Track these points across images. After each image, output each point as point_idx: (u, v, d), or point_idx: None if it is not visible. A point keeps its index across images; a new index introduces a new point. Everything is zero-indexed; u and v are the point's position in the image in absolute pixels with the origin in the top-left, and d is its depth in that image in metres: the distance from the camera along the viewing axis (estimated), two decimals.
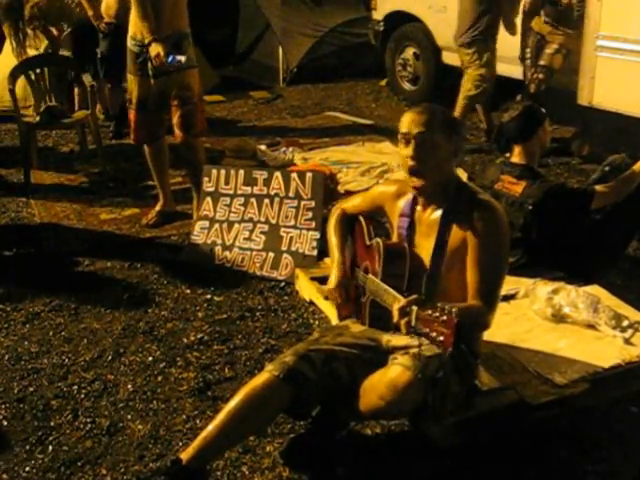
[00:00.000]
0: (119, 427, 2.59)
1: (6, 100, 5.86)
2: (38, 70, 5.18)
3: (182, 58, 3.81)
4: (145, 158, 4.32)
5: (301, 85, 7.71)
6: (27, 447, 2.50)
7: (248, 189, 3.97)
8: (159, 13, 3.82)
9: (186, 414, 2.65)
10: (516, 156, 3.34)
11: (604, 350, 2.72)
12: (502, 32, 5.48)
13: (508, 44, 5.59)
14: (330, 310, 3.07)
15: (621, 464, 2.38)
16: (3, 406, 2.72)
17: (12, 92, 4.92)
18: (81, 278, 3.72)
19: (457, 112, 5.56)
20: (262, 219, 3.89)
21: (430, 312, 1.91)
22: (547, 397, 2.48)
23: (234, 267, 3.77)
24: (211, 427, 2.18)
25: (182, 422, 2.60)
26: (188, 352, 3.04)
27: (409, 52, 6.83)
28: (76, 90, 5.81)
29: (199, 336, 3.15)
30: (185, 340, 3.13)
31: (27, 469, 2.40)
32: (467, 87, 5.50)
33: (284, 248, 3.75)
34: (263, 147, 5.43)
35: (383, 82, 7.61)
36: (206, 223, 3.98)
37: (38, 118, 5.04)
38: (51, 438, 2.54)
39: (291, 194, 3.86)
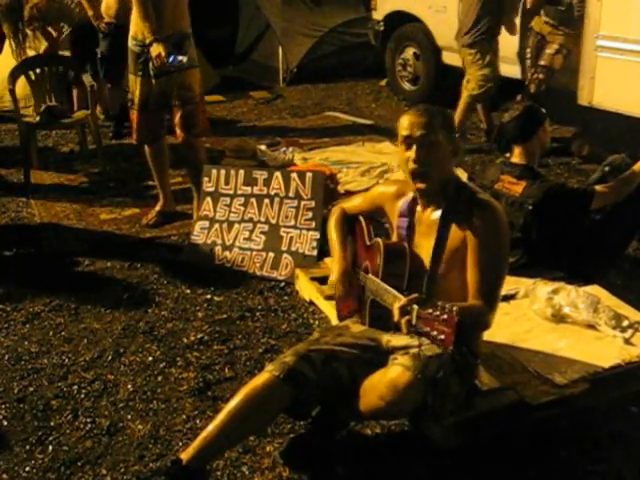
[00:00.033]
0: (119, 427, 2.59)
1: (6, 100, 5.88)
2: (38, 70, 5.18)
3: (183, 58, 3.81)
4: (145, 158, 4.32)
5: (301, 85, 7.70)
6: (27, 447, 2.50)
7: (248, 189, 3.97)
8: (160, 13, 3.82)
9: (186, 414, 2.65)
10: (516, 156, 3.34)
11: (604, 350, 2.72)
12: (502, 32, 5.49)
13: (507, 44, 5.60)
14: (330, 310, 3.07)
15: (621, 464, 2.38)
16: (3, 406, 2.72)
17: (12, 92, 4.92)
18: (81, 278, 3.72)
19: (459, 111, 5.57)
20: (262, 219, 3.89)
21: (431, 311, 1.91)
22: (547, 397, 2.49)
23: (234, 267, 3.77)
24: (211, 427, 2.18)
25: (182, 422, 2.60)
26: (188, 352, 3.04)
27: (409, 52, 6.83)
28: (75, 91, 5.80)
29: (199, 336, 3.15)
30: (185, 340, 3.13)
31: (27, 469, 2.40)
32: (471, 86, 5.51)
33: (284, 248, 3.75)
34: (263, 147, 5.42)
35: (383, 82, 7.61)
36: (206, 223, 3.98)
37: (38, 118, 5.04)
38: (51, 438, 2.54)
39: (291, 194, 3.86)
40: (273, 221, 3.85)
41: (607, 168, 3.55)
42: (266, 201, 3.91)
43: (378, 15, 7.10)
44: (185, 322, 3.28)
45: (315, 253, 3.67)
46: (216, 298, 3.48)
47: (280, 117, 6.75)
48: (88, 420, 2.63)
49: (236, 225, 3.91)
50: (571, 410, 2.53)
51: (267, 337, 3.14)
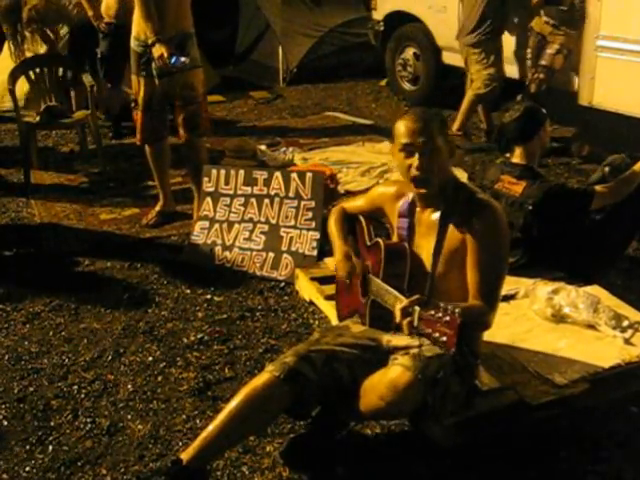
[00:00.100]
0: (119, 427, 2.59)
1: (6, 100, 5.88)
2: (38, 70, 5.18)
3: (186, 60, 3.81)
4: (145, 158, 4.32)
5: (301, 85, 7.70)
6: (27, 447, 2.50)
7: (248, 189, 3.97)
8: (163, 14, 3.81)
9: (186, 414, 2.65)
10: (517, 156, 3.34)
11: (604, 350, 2.72)
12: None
13: (507, 44, 5.60)
14: (330, 310, 3.07)
15: (621, 464, 2.38)
16: (3, 406, 2.72)
17: (12, 92, 4.92)
18: (81, 278, 3.72)
19: (463, 110, 5.59)
20: (262, 219, 3.89)
21: (433, 312, 1.91)
22: (547, 397, 2.49)
23: (234, 267, 3.77)
24: (211, 427, 2.18)
25: (182, 422, 2.60)
26: (188, 352, 3.04)
27: (409, 52, 6.83)
28: (72, 93, 5.79)
29: (199, 336, 3.15)
30: (185, 340, 3.13)
31: (27, 469, 2.40)
32: (476, 86, 5.53)
33: (284, 248, 3.75)
34: (263, 147, 5.42)
35: (383, 82, 7.61)
36: (206, 223, 3.98)
37: (38, 118, 5.04)
38: (51, 438, 2.54)
39: (291, 194, 3.86)
40: (273, 221, 3.85)
41: (607, 168, 3.55)
42: (266, 201, 3.90)
43: (378, 15, 7.10)
44: (185, 322, 3.28)
45: (315, 253, 3.67)
46: (216, 298, 3.48)
47: (280, 117, 6.75)
48: (88, 420, 2.63)
49: (236, 225, 3.91)
50: (571, 410, 2.53)
51: (267, 337, 3.14)
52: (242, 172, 4.03)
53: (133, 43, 3.98)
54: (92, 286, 3.61)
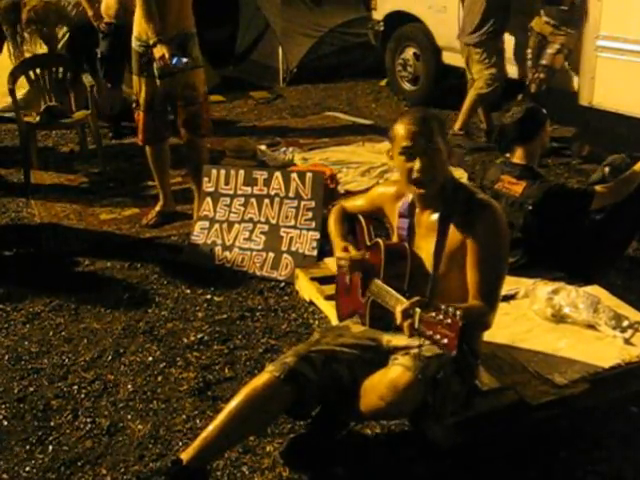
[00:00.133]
0: (119, 427, 2.59)
1: (6, 100, 5.87)
2: (38, 70, 5.18)
3: (188, 61, 3.81)
4: (145, 158, 4.32)
5: (301, 85, 7.70)
6: (27, 447, 2.50)
7: (248, 189, 3.97)
8: (164, 13, 3.81)
9: (186, 414, 2.65)
10: (517, 157, 3.34)
11: (604, 350, 2.72)
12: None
13: (507, 44, 5.60)
14: (330, 310, 3.07)
15: (621, 464, 2.38)
16: (3, 406, 2.72)
17: (12, 92, 4.92)
18: (81, 278, 3.72)
19: (465, 109, 5.59)
20: (262, 219, 3.89)
21: (434, 315, 1.90)
22: (547, 397, 2.49)
23: (234, 267, 3.77)
24: (211, 427, 2.18)
25: (182, 422, 2.60)
26: (188, 352, 3.04)
27: (409, 52, 6.83)
28: (71, 94, 5.79)
29: (199, 336, 3.15)
30: (185, 340, 3.13)
31: (27, 469, 2.40)
32: (479, 85, 5.53)
33: (284, 248, 3.75)
34: (263, 147, 5.42)
35: (383, 82, 7.61)
36: (206, 223, 3.98)
37: (38, 118, 5.04)
38: (51, 438, 2.54)
39: (291, 194, 3.86)
40: (273, 221, 3.85)
41: (607, 168, 3.55)
42: (266, 201, 3.90)
43: (378, 15, 7.10)
44: (185, 322, 3.28)
45: (315, 253, 3.67)
46: (216, 298, 3.48)
47: (280, 117, 6.75)
48: (88, 420, 2.63)
49: (236, 225, 3.91)
50: (571, 410, 2.53)
51: (267, 337, 3.14)
52: (242, 172, 4.03)
53: (134, 43, 3.98)
54: (92, 286, 3.61)
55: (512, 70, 5.70)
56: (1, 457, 2.46)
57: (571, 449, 2.43)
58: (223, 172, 4.06)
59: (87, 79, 5.20)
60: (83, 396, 2.77)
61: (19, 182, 5.00)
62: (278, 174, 3.96)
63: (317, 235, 3.70)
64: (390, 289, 2.23)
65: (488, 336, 2.53)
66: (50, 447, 2.50)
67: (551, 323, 2.93)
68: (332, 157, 5.29)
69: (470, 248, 2.28)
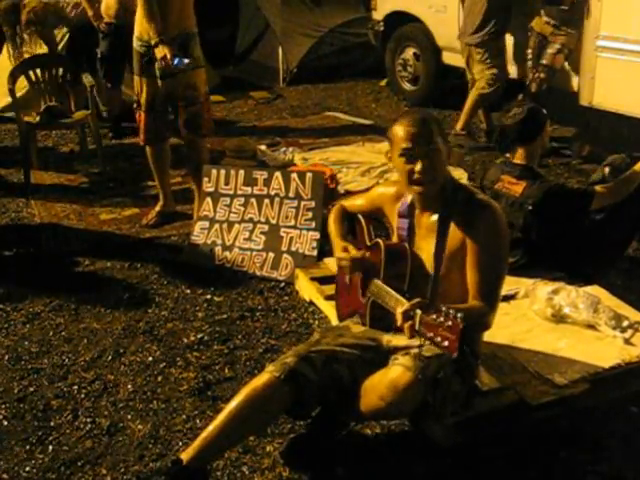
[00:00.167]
0: (119, 427, 2.59)
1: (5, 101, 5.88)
2: (38, 70, 5.18)
3: (189, 61, 3.80)
4: (145, 158, 4.32)
5: (301, 85, 7.70)
6: (27, 447, 2.50)
7: (248, 189, 3.97)
8: (166, 13, 3.80)
9: (186, 414, 2.65)
10: (518, 157, 3.34)
11: (604, 350, 2.73)
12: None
13: (508, 44, 5.60)
14: (330, 310, 3.07)
15: (621, 464, 2.38)
16: (3, 406, 2.72)
17: (12, 92, 4.92)
18: (81, 278, 3.72)
19: (467, 109, 5.59)
20: (262, 219, 3.89)
21: (435, 316, 1.89)
22: (547, 397, 2.49)
23: (234, 267, 3.77)
24: (211, 427, 2.18)
25: (182, 422, 2.60)
26: (188, 352, 3.04)
27: (409, 52, 6.83)
28: (71, 94, 5.79)
29: (199, 336, 3.15)
30: (185, 340, 3.13)
31: (27, 469, 2.40)
32: (480, 85, 5.53)
33: (284, 248, 3.75)
34: (263, 147, 5.42)
35: (383, 82, 7.61)
36: (206, 223, 3.98)
37: (38, 118, 5.04)
38: (51, 438, 2.54)
39: (291, 194, 3.86)
40: (273, 221, 3.85)
41: (607, 168, 3.55)
42: (266, 201, 3.90)
43: (378, 15, 7.09)
44: (185, 322, 3.28)
45: (315, 253, 3.67)
46: (216, 298, 3.48)
47: (280, 117, 6.75)
48: (88, 420, 2.63)
49: (236, 225, 3.91)
50: (571, 410, 2.53)
51: (267, 337, 3.14)
52: (242, 172, 4.03)
53: (136, 43, 3.97)
54: (92, 286, 3.61)
55: (512, 70, 5.71)
56: (1, 457, 2.46)
57: (571, 449, 2.43)
58: (223, 172, 4.06)
59: (87, 79, 5.20)
60: (83, 396, 2.77)
61: (19, 182, 5.00)
62: (278, 174, 3.96)
63: (317, 235, 3.70)
64: (390, 290, 2.23)
65: (488, 336, 2.53)
66: (50, 447, 2.50)
67: (551, 323, 2.93)
68: (332, 157, 5.28)
69: (470, 248, 2.27)
